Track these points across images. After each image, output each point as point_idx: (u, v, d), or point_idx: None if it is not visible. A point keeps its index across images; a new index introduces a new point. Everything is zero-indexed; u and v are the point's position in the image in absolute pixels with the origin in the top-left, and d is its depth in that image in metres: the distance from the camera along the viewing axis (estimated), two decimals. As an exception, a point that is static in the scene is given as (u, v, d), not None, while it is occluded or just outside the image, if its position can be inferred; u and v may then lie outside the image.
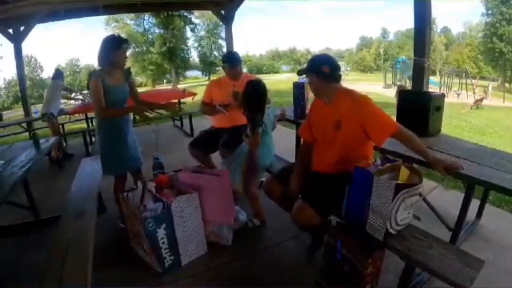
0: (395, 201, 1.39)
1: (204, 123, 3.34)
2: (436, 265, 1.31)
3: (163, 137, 5.49)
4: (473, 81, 16.72)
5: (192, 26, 31.63)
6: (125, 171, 2.35)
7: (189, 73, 38.58)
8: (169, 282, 1.90)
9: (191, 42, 33.37)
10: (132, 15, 27.30)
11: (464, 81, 16.87)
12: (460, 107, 11.58)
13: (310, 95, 2.58)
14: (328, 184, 1.74)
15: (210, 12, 7.09)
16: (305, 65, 1.87)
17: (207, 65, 34.79)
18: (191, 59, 34.62)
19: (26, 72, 9.87)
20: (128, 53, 2.26)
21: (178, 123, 6.18)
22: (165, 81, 33.54)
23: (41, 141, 2.82)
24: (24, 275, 1.99)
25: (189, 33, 32.22)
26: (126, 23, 29.19)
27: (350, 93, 1.77)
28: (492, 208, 2.60)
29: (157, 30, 29.55)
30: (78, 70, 41.36)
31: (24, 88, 6.29)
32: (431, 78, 12.47)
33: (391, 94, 12.74)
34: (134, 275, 1.96)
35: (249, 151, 2.28)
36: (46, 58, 75.93)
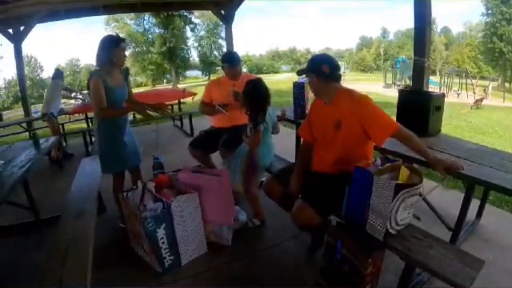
0: (395, 201, 1.39)
1: (204, 123, 3.33)
2: (436, 265, 1.31)
3: (163, 137, 5.50)
4: (473, 81, 16.69)
5: (192, 26, 31.63)
6: (123, 169, 2.35)
7: (189, 73, 38.58)
8: (169, 282, 1.90)
9: (191, 42, 33.41)
10: (132, 15, 27.28)
11: (464, 81, 16.85)
12: (460, 107, 11.57)
13: (310, 95, 2.58)
14: (328, 184, 1.74)
15: (210, 12, 7.10)
16: (305, 65, 1.87)
17: (207, 65, 34.80)
18: (191, 59, 34.62)
19: (26, 72, 9.87)
20: (128, 53, 2.27)
21: (178, 123, 6.18)
22: (165, 81, 33.54)
23: (41, 141, 2.82)
24: (24, 275, 1.99)
25: (189, 33, 32.25)
26: (126, 23, 29.17)
27: (350, 93, 1.77)
28: (492, 208, 2.60)
29: (157, 30, 29.54)
30: (78, 70, 41.37)
31: (24, 88, 6.30)
32: (431, 78, 12.48)
33: (391, 93, 12.74)
34: (134, 275, 1.96)
35: (249, 151, 2.29)
36: (46, 58, 76.07)
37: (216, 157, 2.84)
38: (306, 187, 1.86)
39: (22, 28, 5.62)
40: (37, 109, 6.45)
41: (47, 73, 33.65)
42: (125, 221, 2.20)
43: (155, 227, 1.86)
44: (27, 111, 6.04)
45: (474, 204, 2.21)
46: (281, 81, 19.86)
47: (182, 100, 6.22)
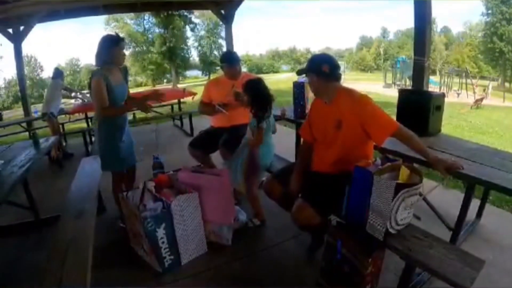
0: (395, 200, 1.38)
1: (204, 122, 3.33)
2: (437, 265, 1.31)
3: (163, 137, 5.50)
4: (473, 80, 16.68)
5: (192, 25, 31.63)
6: (123, 169, 2.35)
7: (189, 73, 38.59)
8: (169, 282, 1.90)
9: (191, 41, 33.41)
10: (132, 14, 27.26)
11: (464, 80, 16.84)
12: (460, 106, 11.56)
13: (310, 95, 2.58)
14: (328, 184, 1.74)
15: (210, 11, 7.10)
16: (305, 65, 1.86)
17: (207, 65, 34.78)
18: (191, 58, 34.62)
19: (26, 72, 9.88)
20: (128, 52, 2.33)
21: (178, 122, 6.18)
22: (165, 80, 33.55)
23: (41, 140, 2.82)
24: (24, 275, 1.99)
25: (189, 33, 32.25)
26: (126, 23, 29.15)
27: (350, 92, 1.77)
28: (492, 208, 2.59)
29: (157, 30, 29.53)
30: (78, 69, 41.38)
31: (24, 88, 6.29)
32: (431, 77, 12.48)
33: (391, 93, 12.73)
34: (134, 275, 1.96)
35: (250, 151, 2.28)
36: (46, 58, 75.98)
37: (216, 157, 2.84)
38: (306, 187, 1.86)
39: (22, 28, 5.61)
40: (37, 109, 6.44)
41: (47, 73, 33.69)
42: (125, 221, 2.20)
43: (155, 226, 1.86)
44: (27, 111, 6.04)
45: (474, 204, 2.21)
46: (281, 81, 19.87)
47: (182, 100, 6.22)
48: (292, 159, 2.66)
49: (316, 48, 58.29)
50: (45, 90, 5.73)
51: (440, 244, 1.43)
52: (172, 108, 6.43)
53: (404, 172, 1.48)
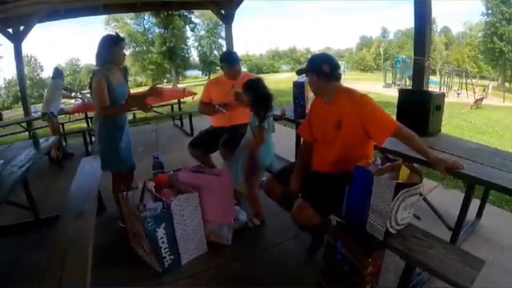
0: (395, 200, 1.38)
1: (204, 122, 3.33)
2: (437, 264, 1.31)
3: (163, 137, 5.50)
4: (473, 80, 16.68)
5: (192, 25, 31.61)
6: (123, 169, 2.35)
7: (189, 73, 38.59)
8: (169, 282, 1.90)
9: (191, 41, 33.39)
10: (132, 14, 27.24)
11: (464, 80, 16.83)
12: (460, 106, 11.56)
13: (310, 95, 2.58)
14: (328, 184, 1.74)
15: (210, 11, 7.11)
16: (305, 65, 1.86)
17: (207, 65, 34.77)
18: (191, 58, 34.62)
19: (26, 71, 9.88)
20: (128, 52, 2.33)
21: (178, 122, 6.18)
22: (165, 80, 33.54)
23: (41, 140, 2.82)
24: (24, 275, 1.98)
25: (189, 33, 32.23)
26: (126, 23, 29.13)
27: (350, 92, 1.77)
28: (492, 208, 2.59)
29: (157, 30, 29.51)
30: (78, 69, 41.38)
31: (24, 88, 6.30)
32: (431, 77, 12.49)
33: (391, 93, 12.73)
34: (134, 275, 1.96)
35: (251, 151, 2.28)
36: (46, 57, 75.97)
37: (216, 157, 2.84)
38: (306, 187, 1.86)
39: (22, 28, 5.61)
40: (37, 108, 6.44)
41: (47, 72, 33.70)
42: (125, 221, 2.20)
43: (155, 226, 1.86)
44: (27, 111, 6.04)
45: (474, 204, 2.21)
46: (281, 81, 19.86)
47: (182, 100, 6.22)
48: (292, 159, 2.66)
49: (316, 48, 58.34)
50: (45, 90, 5.73)
51: (440, 244, 1.43)
52: (172, 108, 6.43)
53: (404, 172, 1.48)
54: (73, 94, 5.76)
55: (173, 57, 29.62)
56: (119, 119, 2.25)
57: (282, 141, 2.83)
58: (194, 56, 35.34)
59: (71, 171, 2.86)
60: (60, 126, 5.00)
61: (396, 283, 1.59)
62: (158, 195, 2.03)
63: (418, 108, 2.32)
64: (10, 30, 5.62)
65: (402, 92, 2.64)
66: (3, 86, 31.22)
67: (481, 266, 1.28)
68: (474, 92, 14.85)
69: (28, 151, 2.53)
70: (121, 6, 6.63)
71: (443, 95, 2.54)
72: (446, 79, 17.36)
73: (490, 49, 28.66)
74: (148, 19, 29.31)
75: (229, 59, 2.70)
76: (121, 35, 2.31)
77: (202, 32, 34.02)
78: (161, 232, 1.89)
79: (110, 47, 2.12)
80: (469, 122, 8.70)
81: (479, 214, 2.37)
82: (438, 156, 1.66)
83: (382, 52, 46.17)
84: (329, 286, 1.73)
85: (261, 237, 2.32)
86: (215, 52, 33.49)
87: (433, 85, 14.85)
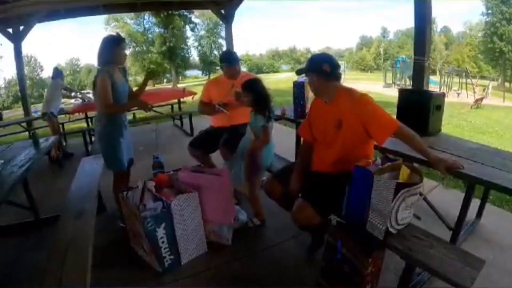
0: (395, 200, 1.38)
1: (204, 122, 3.33)
2: (437, 264, 1.30)
3: (163, 137, 5.50)
4: (473, 80, 16.68)
5: (192, 25, 31.67)
6: (125, 168, 2.37)
7: (189, 73, 38.66)
8: (169, 282, 1.90)
9: (191, 41, 33.47)
10: (132, 14, 27.30)
11: (464, 80, 16.84)
12: (460, 106, 11.56)
13: (310, 95, 2.57)
14: (328, 184, 1.74)
15: (210, 11, 7.11)
16: (304, 65, 1.86)
17: (207, 65, 34.82)
18: (191, 58, 34.68)
19: (26, 71, 9.87)
20: (128, 52, 2.37)
21: (178, 122, 6.18)
22: (165, 80, 33.56)
23: (41, 140, 2.82)
24: (24, 275, 1.98)
25: (189, 33, 32.31)
26: (126, 23, 29.18)
27: (350, 92, 1.76)
28: (492, 208, 2.59)
29: (157, 30, 29.58)
30: (78, 69, 41.41)
31: (24, 88, 6.29)
32: (431, 77, 12.48)
33: (391, 93, 12.73)
34: (134, 275, 1.95)
35: (253, 152, 2.26)
36: (46, 57, 76.03)
37: (216, 157, 2.84)
38: (306, 186, 1.86)
39: (21, 27, 5.61)
40: (37, 108, 6.44)
41: (47, 72, 33.77)
42: (125, 221, 2.20)
43: (155, 226, 1.86)
44: (27, 111, 6.04)
45: (474, 203, 2.21)
46: (281, 81, 19.86)
47: (182, 100, 6.22)
48: (292, 159, 2.65)
49: (316, 48, 58.45)
50: (45, 90, 5.73)
51: (441, 244, 1.43)
52: (172, 108, 6.43)
53: (404, 172, 1.48)
54: (73, 94, 5.77)
55: (173, 57, 29.66)
56: (122, 117, 2.29)
57: (282, 141, 2.83)
58: (194, 56, 35.44)
59: (71, 171, 2.86)
60: (60, 126, 5.00)
61: (396, 283, 1.59)
62: (158, 195, 2.02)
63: (418, 108, 2.32)
64: (10, 30, 5.62)
65: (402, 92, 2.64)
66: (3, 86, 31.30)
67: (481, 266, 1.28)
68: (474, 92, 14.86)
69: (28, 151, 2.53)
70: (121, 6, 6.62)
71: (443, 95, 2.54)
72: (446, 79, 17.36)
73: (490, 49, 28.67)
74: (148, 19, 29.40)
75: (229, 59, 2.69)
76: (121, 35, 2.34)
77: (202, 32, 34.09)
78: (161, 232, 1.89)
79: (112, 47, 2.16)
80: (469, 122, 8.70)
81: (479, 214, 2.37)
82: (439, 156, 1.66)
83: (382, 52, 46.21)
84: (329, 286, 1.73)
85: (261, 237, 2.32)
86: (215, 52, 33.55)
87: (433, 85, 14.85)
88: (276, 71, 47.63)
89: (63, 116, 5.32)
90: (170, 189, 2.13)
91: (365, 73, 40.02)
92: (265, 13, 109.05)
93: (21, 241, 2.41)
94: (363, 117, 1.66)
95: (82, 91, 5.94)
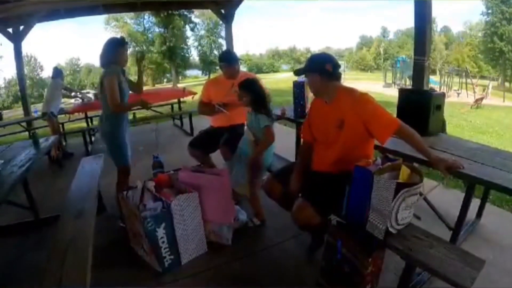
0: (395, 200, 1.38)
1: (204, 122, 3.33)
2: (437, 264, 1.30)
3: (163, 136, 5.49)
4: (473, 80, 16.68)
5: (192, 25, 31.66)
6: (129, 164, 2.44)
7: (189, 72, 38.66)
8: (169, 282, 1.90)
9: (191, 41, 33.47)
10: (132, 14, 27.30)
11: (464, 80, 16.84)
12: (460, 106, 11.56)
13: (310, 94, 2.57)
14: (329, 184, 1.74)
15: (210, 11, 7.11)
16: (303, 65, 1.85)
17: (207, 64, 34.82)
18: (191, 58, 34.69)
19: (26, 71, 9.88)
20: (128, 52, 2.43)
21: (178, 122, 6.18)
22: (165, 80, 33.56)
23: (41, 140, 2.81)
24: (24, 275, 1.98)
25: (189, 32, 32.30)
26: (126, 22, 29.18)
27: (350, 91, 1.76)
28: (492, 208, 2.59)
29: (157, 29, 29.56)
30: (78, 69, 41.40)
31: (24, 88, 6.29)
32: (431, 77, 12.47)
33: (391, 93, 12.72)
34: (134, 275, 1.95)
35: (258, 156, 2.26)
36: (46, 57, 75.97)
37: (216, 157, 2.84)
38: (306, 186, 1.86)
39: (22, 27, 5.61)
40: (37, 108, 6.44)
41: (47, 72, 33.75)
42: (125, 221, 2.20)
43: (155, 226, 1.86)
44: (27, 111, 6.04)
45: (474, 203, 2.20)
46: (281, 80, 19.84)
47: (182, 99, 6.22)
48: (292, 159, 2.65)
49: (316, 47, 58.48)
50: (45, 89, 5.72)
51: (441, 243, 1.43)
52: (172, 107, 6.43)
53: (404, 172, 1.47)
54: (73, 93, 5.76)
55: (173, 57, 29.64)
56: (126, 116, 2.41)
57: (282, 141, 2.82)
58: (194, 55, 35.45)
59: (71, 171, 2.86)
60: (60, 125, 4.99)
61: (396, 283, 1.59)
62: (158, 195, 2.02)
63: (418, 108, 2.32)
64: (10, 30, 5.62)
65: (402, 92, 2.64)
66: (3, 86, 31.30)
67: (481, 266, 1.28)
68: (474, 92, 14.86)
69: (28, 151, 2.53)
70: (121, 6, 6.60)
71: (443, 95, 2.54)
72: (446, 79, 17.36)
73: (490, 49, 28.67)
74: (148, 18, 29.40)
75: (228, 59, 2.69)
76: (121, 34, 2.39)
77: (202, 32, 34.10)
78: (161, 232, 1.89)
79: (115, 48, 2.26)
80: (469, 122, 8.70)
81: (479, 214, 2.37)
82: (439, 156, 1.66)
83: (382, 52, 46.21)
84: (329, 286, 1.73)
85: (261, 237, 2.32)
86: (215, 52, 33.55)
87: (433, 84, 14.81)
88: (276, 71, 47.62)
89: (63, 116, 5.32)
90: (170, 189, 2.13)
91: (365, 73, 40.02)
92: (265, 13, 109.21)
93: (21, 241, 2.41)
94: (364, 116, 1.65)
95: (82, 91, 5.94)
